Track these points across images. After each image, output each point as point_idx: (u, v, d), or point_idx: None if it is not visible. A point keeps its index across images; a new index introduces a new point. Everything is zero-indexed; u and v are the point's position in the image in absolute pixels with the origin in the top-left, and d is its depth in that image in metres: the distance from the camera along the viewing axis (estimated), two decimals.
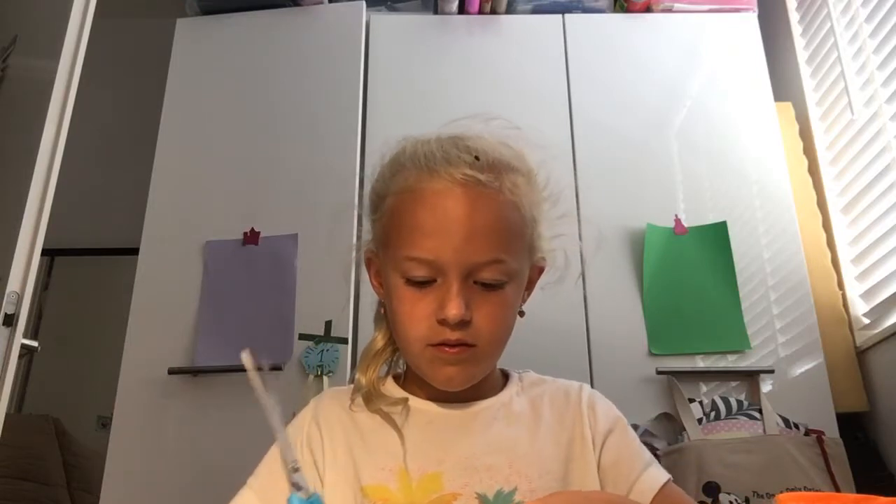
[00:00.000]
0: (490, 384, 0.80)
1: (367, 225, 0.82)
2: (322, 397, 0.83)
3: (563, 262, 0.82)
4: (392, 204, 0.76)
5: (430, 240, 0.71)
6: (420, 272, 0.71)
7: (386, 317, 0.79)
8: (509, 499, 0.71)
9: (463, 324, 0.71)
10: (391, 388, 0.81)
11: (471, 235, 0.71)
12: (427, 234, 0.71)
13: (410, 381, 0.80)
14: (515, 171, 0.75)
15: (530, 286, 0.80)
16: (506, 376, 0.83)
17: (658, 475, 0.76)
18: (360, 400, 0.79)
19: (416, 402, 0.78)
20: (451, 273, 0.71)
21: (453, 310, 0.69)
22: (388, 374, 0.83)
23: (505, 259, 0.72)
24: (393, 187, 0.76)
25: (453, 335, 0.71)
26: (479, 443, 0.75)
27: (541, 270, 0.81)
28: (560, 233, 0.81)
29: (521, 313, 0.78)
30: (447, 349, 0.72)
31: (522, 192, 0.75)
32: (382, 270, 0.78)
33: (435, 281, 0.71)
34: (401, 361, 0.83)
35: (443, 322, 0.71)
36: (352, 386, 0.81)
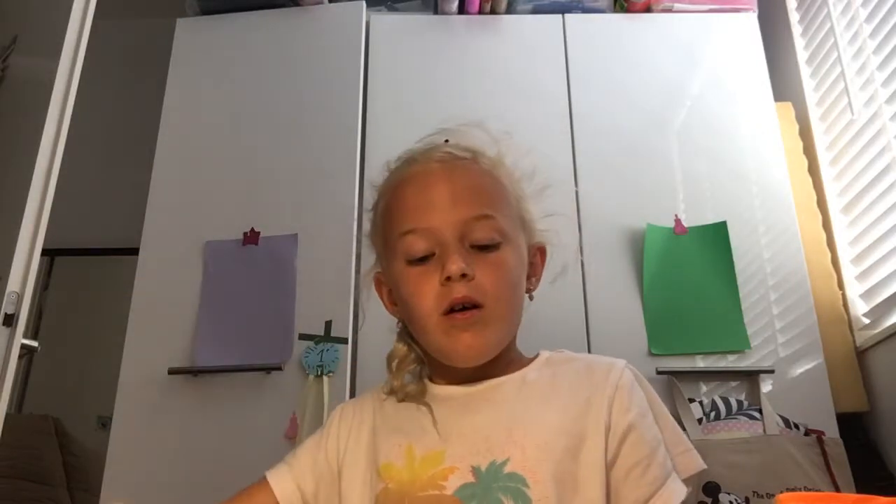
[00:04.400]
0: (510, 364, 0.81)
1: (371, 254, 0.86)
2: (357, 397, 0.90)
3: (558, 242, 0.85)
4: (384, 203, 0.82)
5: (417, 210, 0.77)
6: (417, 246, 0.76)
7: (406, 330, 0.82)
8: (500, 470, 0.71)
9: (466, 278, 0.73)
10: (417, 381, 0.83)
11: (454, 196, 0.77)
12: (414, 207, 0.78)
13: (433, 373, 0.83)
14: (486, 155, 0.82)
15: (536, 270, 0.83)
16: (535, 357, 0.84)
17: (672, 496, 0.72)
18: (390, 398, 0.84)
19: (434, 388, 0.80)
20: (445, 237, 0.75)
21: (453, 265, 0.73)
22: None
23: (493, 215, 0.77)
24: (383, 191, 0.83)
25: (459, 292, 0.73)
26: (483, 416, 0.76)
27: (543, 252, 0.84)
28: (551, 212, 0.85)
29: (531, 297, 0.82)
30: (457, 315, 0.74)
31: (498, 167, 0.82)
32: (388, 274, 0.81)
33: (434, 255, 0.75)
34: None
35: (447, 282, 0.73)
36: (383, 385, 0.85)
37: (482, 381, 0.79)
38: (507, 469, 0.71)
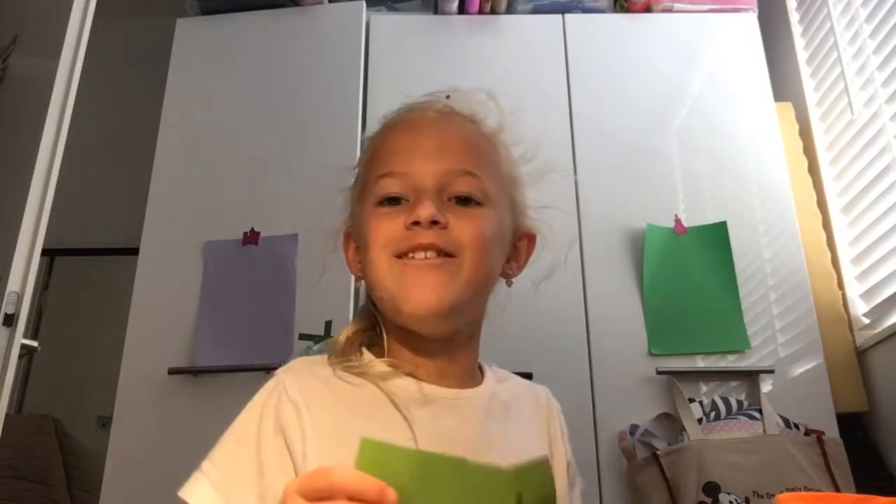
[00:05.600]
0: (473, 370, 0.75)
1: (347, 206, 0.79)
2: (292, 369, 0.71)
3: (549, 234, 0.79)
4: (371, 148, 0.76)
5: (401, 155, 0.71)
6: (393, 188, 0.69)
7: (370, 305, 0.74)
8: None
9: (437, 226, 0.66)
10: (372, 362, 0.70)
11: (442, 145, 0.70)
12: (397, 151, 0.71)
13: (393, 355, 0.71)
14: (486, 122, 0.77)
15: (519, 256, 0.77)
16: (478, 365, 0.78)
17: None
18: (343, 373, 0.69)
19: (408, 381, 0.69)
20: (422, 183, 0.68)
21: (424, 210, 0.66)
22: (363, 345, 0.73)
23: (478, 174, 0.70)
24: (371, 137, 0.77)
25: (424, 238, 0.66)
26: (480, 436, 0.69)
27: (532, 240, 0.78)
28: (546, 205, 0.79)
29: (509, 283, 0.76)
30: (416, 257, 0.66)
31: (496, 136, 0.76)
32: (357, 224, 0.74)
33: (408, 200, 0.69)
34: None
35: (413, 227, 0.66)
36: (319, 357, 0.72)
37: (455, 387, 0.70)
38: None
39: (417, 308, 0.66)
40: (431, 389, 0.69)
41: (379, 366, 0.69)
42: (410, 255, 0.66)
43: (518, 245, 0.77)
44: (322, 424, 0.65)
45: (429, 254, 0.66)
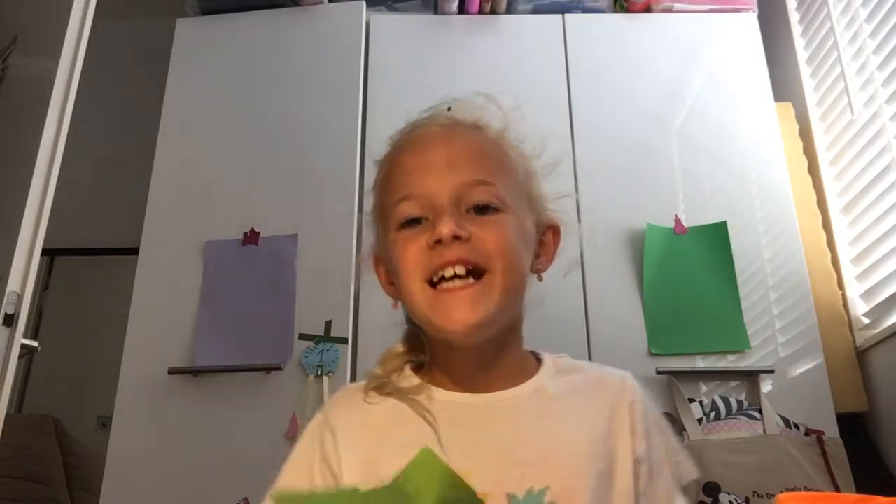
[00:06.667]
0: (520, 368, 0.75)
1: (370, 234, 0.80)
2: (333, 401, 0.78)
3: (573, 227, 0.80)
4: (383, 173, 0.77)
5: (413, 175, 0.72)
6: (411, 210, 0.71)
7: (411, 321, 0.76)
8: (540, 499, 0.66)
9: (460, 241, 0.68)
10: (409, 377, 0.75)
11: (452, 159, 0.72)
12: (411, 171, 0.73)
13: (433, 370, 0.75)
14: (491, 124, 0.78)
15: (547, 249, 0.78)
16: (538, 360, 0.78)
17: None
18: (373, 395, 0.74)
19: (438, 393, 0.72)
20: (439, 200, 0.70)
21: (444, 226, 0.67)
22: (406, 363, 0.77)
23: (492, 182, 0.71)
24: (382, 161, 0.78)
25: (452, 253, 0.68)
26: (510, 436, 0.69)
27: (556, 232, 0.79)
28: (562, 193, 0.80)
29: (540, 277, 0.76)
30: (447, 277, 0.68)
31: (503, 137, 0.77)
32: (385, 249, 0.75)
33: (428, 219, 0.70)
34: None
35: (436, 245, 0.68)
36: (362, 383, 0.76)
37: (493, 390, 0.72)
38: (548, 498, 0.66)
39: (457, 326, 0.68)
40: (457, 396, 0.72)
41: (406, 380, 0.74)
42: (441, 275, 0.68)
43: (544, 239, 0.77)
44: (351, 446, 0.71)
45: (458, 269, 0.68)
